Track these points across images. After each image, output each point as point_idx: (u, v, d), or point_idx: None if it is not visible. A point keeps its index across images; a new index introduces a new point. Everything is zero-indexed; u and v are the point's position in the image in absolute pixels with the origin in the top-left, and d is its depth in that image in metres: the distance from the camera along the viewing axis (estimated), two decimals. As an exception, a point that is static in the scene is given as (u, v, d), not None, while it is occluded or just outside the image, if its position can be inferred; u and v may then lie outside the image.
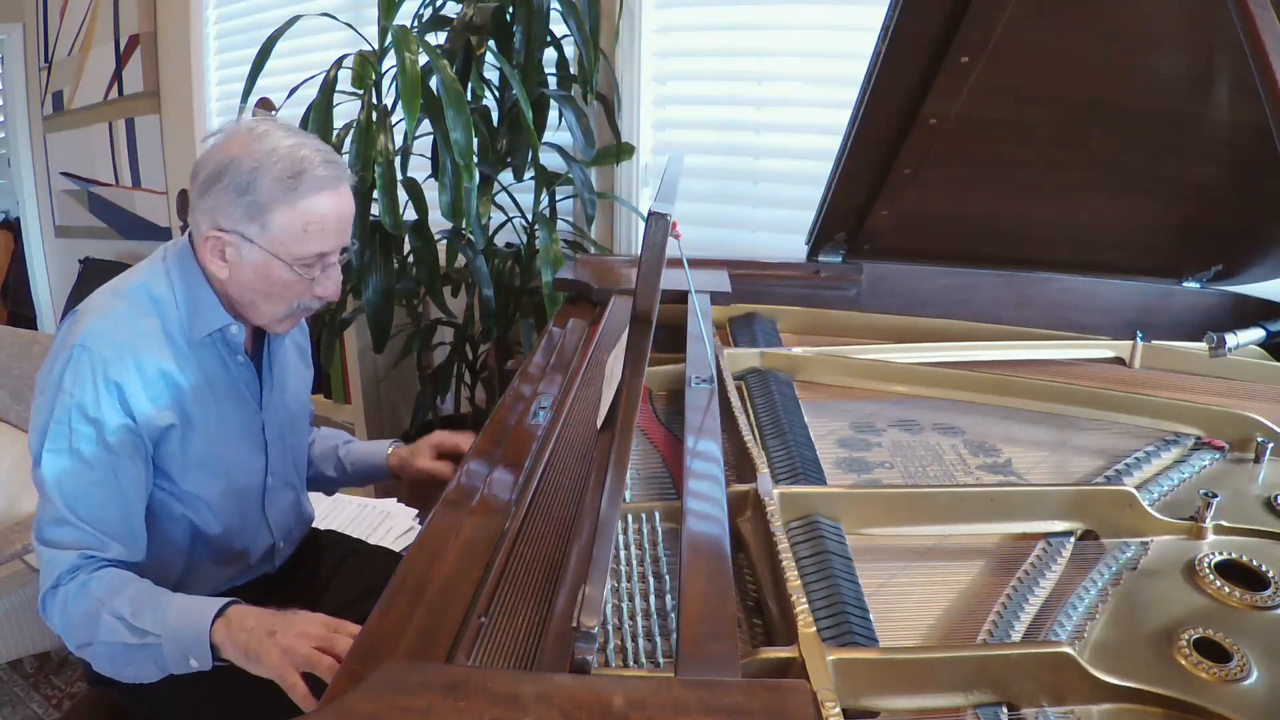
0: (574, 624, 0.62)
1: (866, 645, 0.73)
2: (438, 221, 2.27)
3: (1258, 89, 0.99)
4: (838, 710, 0.60)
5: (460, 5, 2.25)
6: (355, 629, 0.95)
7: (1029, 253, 1.69)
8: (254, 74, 2.21)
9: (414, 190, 2.29)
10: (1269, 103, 0.97)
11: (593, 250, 2.54)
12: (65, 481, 1.06)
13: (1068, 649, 0.69)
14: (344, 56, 2.20)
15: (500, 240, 2.51)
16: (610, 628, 0.74)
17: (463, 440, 1.39)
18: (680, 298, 1.31)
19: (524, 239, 2.49)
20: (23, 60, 4.23)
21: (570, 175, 2.31)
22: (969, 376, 1.32)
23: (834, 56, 2.20)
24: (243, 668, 0.98)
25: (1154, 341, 1.48)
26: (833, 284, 1.76)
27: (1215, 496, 0.91)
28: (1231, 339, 1.37)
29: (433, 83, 2.06)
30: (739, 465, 1.02)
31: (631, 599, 0.78)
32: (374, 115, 2.11)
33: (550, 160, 2.40)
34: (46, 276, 4.49)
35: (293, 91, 2.35)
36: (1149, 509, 0.92)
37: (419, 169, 2.33)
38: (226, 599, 1.03)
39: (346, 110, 2.27)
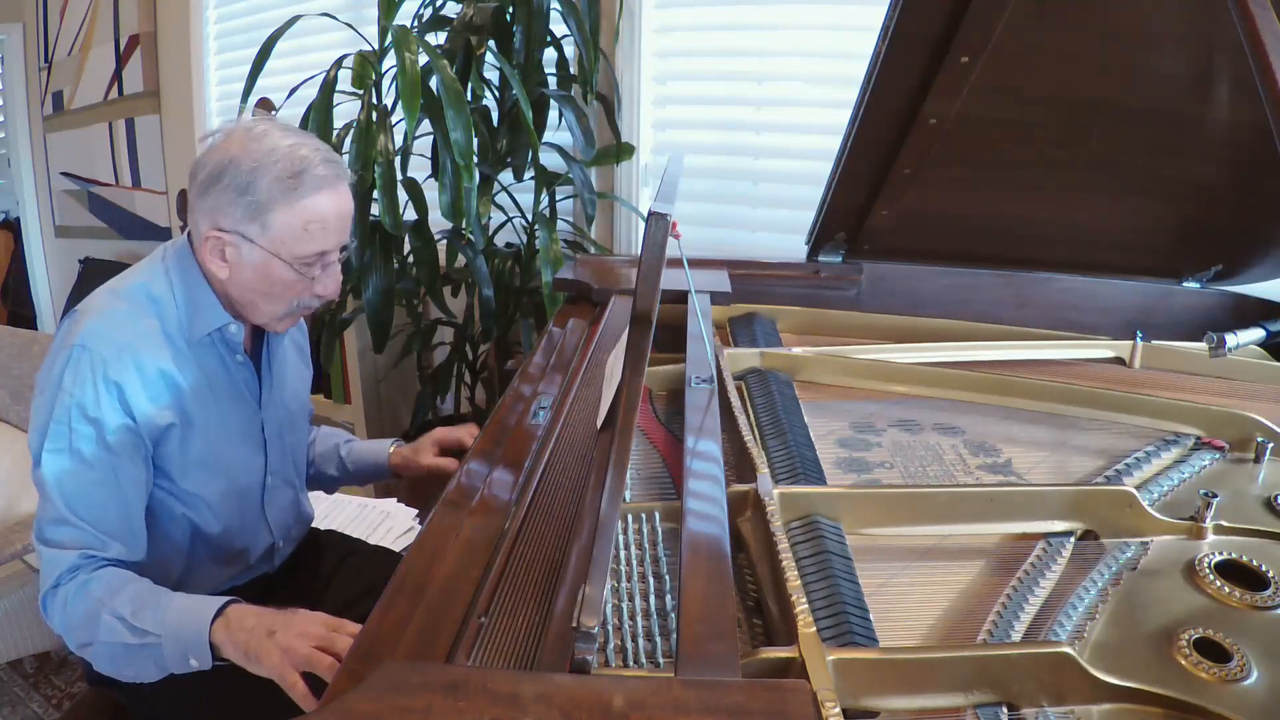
0: (574, 624, 0.62)
1: (866, 645, 0.73)
2: (438, 221, 2.27)
3: (1258, 89, 0.99)
4: (838, 710, 0.60)
5: (460, 5, 2.25)
6: (355, 629, 0.95)
7: (1029, 253, 1.69)
8: (254, 74, 2.21)
9: (414, 190, 2.29)
10: (1269, 103, 0.97)
11: (593, 250, 2.53)
12: (65, 481, 1.06)
13: (1068, 649, 0.69)
14: (344, 56, 2.20)
15: (500, 240, 2.51)
16: (610, 628, 0.74)
17: (464, 433, 1.39)
18: (680, 298, 1.31)
19: (524, 239, 2.49)
20: (23, 60, 4.23)
21: (570, 175, 2.31)
22: (969, 376, 1.32)
23: (834, 56, 2.20)
24: (243, 667, 0.98)
25: (1154, 341, 1.49)
26: (833, 284, 1.76)
27: (1215, 496, 0.91)
28: (1231, 339, 1.37)
29: (433, 83, 2.06)
30: (739, 465, 1.02)
31: (631, 599, 0.78)
32: (374, 115, 2.11)
33: (550, 160, 2.40)
34: (46, 276, 4.49)
35: (293, 91, 2.35)
36: (1149, 509, 0.92)
37: (419, 169, 2.33)
38: (226, 598, 1.03)
39: (346, 110, 2.27)
